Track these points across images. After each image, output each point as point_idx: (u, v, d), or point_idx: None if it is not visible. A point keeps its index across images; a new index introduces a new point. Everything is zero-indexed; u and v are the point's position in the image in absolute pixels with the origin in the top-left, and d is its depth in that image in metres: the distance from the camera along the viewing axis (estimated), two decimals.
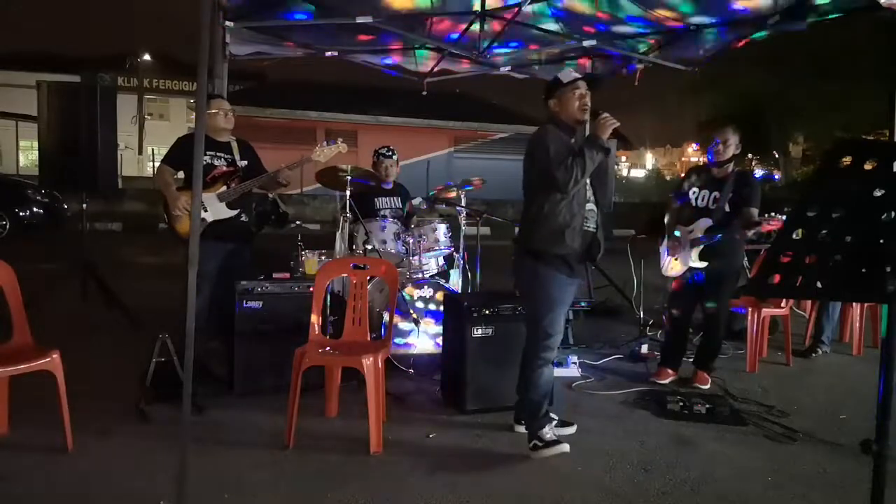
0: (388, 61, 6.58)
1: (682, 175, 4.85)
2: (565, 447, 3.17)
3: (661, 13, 5.06)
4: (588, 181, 3.23)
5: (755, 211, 4.10)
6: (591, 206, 3.24)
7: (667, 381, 4.45)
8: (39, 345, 3.20)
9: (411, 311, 4.54)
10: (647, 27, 5.42)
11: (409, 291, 4.62)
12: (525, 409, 3.32)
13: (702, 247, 4.19)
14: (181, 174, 4.18)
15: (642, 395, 4.16)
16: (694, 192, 4.35)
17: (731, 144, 4.25)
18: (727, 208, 4.17)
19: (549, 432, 3.21)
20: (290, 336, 3.71)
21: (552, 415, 3.36)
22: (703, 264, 4.20)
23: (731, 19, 5.04)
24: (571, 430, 3.48)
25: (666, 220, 4.52)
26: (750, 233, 4.12)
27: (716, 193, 4.23)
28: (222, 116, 4.20)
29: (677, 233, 4.35)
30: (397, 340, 4.48)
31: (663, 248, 4.49)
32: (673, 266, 4.38)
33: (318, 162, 4.25)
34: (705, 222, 4.20)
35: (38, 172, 5.98)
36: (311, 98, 22.52)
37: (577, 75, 3.25)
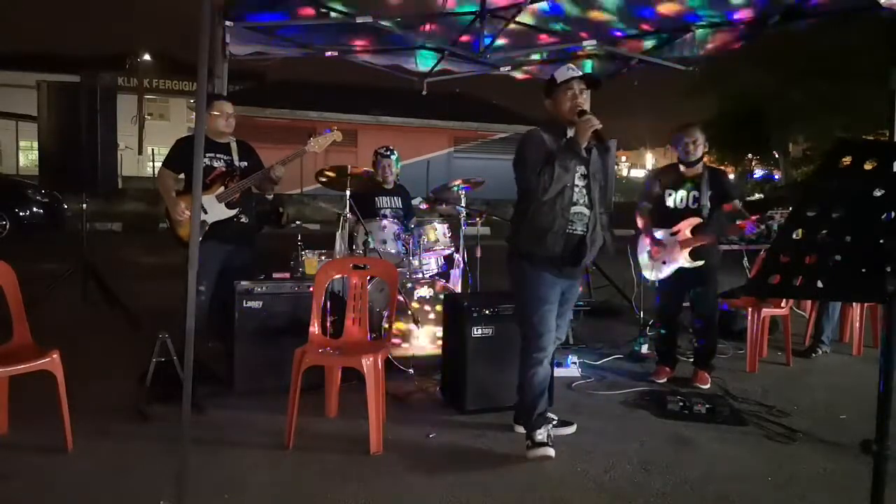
0: (388, 61, 6.57)
1: (649, 178, 4.87)
2: (550, 451, 3.11)
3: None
4: (582, 182, 3.16)
5: (739, 203, 4.21)
6: (580, 208, 3.14)
7: (665, 380, 4.47)
8: (39, 345, 3.20)
9: (411, 312, 4.54)
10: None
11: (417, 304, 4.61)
12: (521, 410, 3.31)
13: (692, 247, 4.20)
14: (182, 176, 4.18)
15: (642, 395, 4.16)
16: (669, 194, 4.35)
17: (700, 143, 4.30)
18: (709, 205, 4.23)
19: (541, 433, 3.16)
20: (290, 336, 3.71)
21: (551, 415, 3.36)
22: (700, 263, 4.21)
23: (730, 20, 5.05)
24: (571, 429, 3.48)
25: (640, 224, 4.49)
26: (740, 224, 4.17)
27: (695, 193, 4.26)
28: (223, 120, 4.18)
29: (660, 235, 4.35)
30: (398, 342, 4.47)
31: (643, 254, 4.47)
32: (661, 269, 4.37)
33: (315, 152, 4.23)
34: (692, 222, 4.22)
35: (38, 172, 5.99)
36: (311, 98, 22.52)
37: (574, 74, 3.17)
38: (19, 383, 3.15)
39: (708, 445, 3.42)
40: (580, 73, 3.19)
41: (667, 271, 4.34)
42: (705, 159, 4.39)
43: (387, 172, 5.18)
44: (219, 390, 3.87)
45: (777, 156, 26.84)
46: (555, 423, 3.35)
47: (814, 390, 4.43)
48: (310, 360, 3.23)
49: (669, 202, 4.35)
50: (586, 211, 3.17)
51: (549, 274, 3.16)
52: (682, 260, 4.23)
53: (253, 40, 5.71)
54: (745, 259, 5.96)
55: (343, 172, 4.51)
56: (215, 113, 4.13)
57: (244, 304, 3.89)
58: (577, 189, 3.14)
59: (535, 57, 6.50)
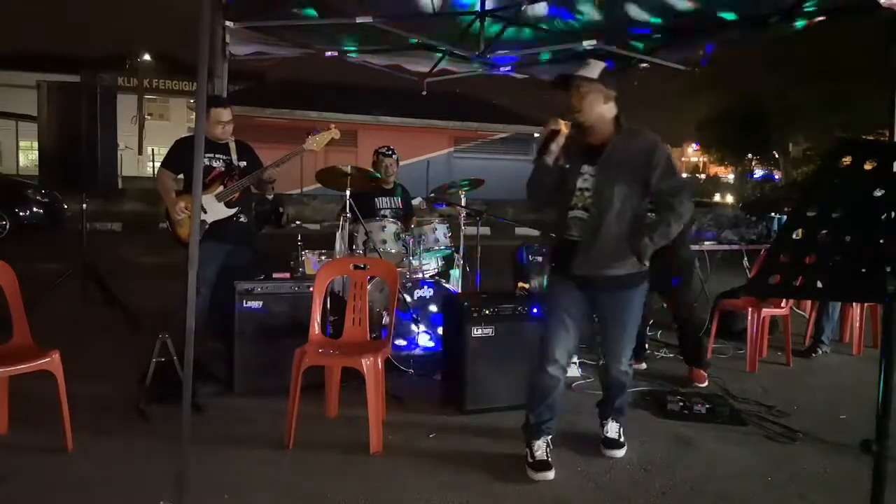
0: (388, 61, 6.57)
1: None
2: (550, 475, 2.94)
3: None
4: (587, 185, 2.94)
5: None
6: (577, 213, 2.97)
7: None
8: (39, 345, 3.20)
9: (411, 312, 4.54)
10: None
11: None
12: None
13: None
14: (181, 176, 4.18)
15: (642, 395, 4.15)
16: None
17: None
18: None
19: (540, 447, 3.04)
20: (290, 336, 3.71)
21: (549, 427, 3.11)
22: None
23: (730, 20, 5.05)
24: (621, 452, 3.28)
25: None
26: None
27: None
28: (220, 128, 4.18)
29: None
30: (397, 342, 4.47)
31: None
32: None
33: (313, 150, 4.23)
34: None
35: (38, 172, 5.99)
36: (311, 98, 22.53)
37: (569, 75, 2.96)
38: (19, 383, 3.15)
39: (708, 445, 3.42)
40: (574, 73, 2.96)
41: None
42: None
43: (388, 172, 5.19)
44: (219, 390, 3.87)
45: (777, 156, 26.85)
46: (550, 436, 3.12)
47: (814, 390, 4.43)
48: (310, 360, 3.23)
49: None
50: (582, 215, 2.96)
51: (562, 282, 3.06)
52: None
53: (253, 40, 5.72)
54: (745, 259, 5.96)
55: (342, 172, 4.50)
56: (212, 121, 4.11)
57: (244, 304, 3.89)
58: (577, 193, 2.98)
59: (536, 57, 6.49)
